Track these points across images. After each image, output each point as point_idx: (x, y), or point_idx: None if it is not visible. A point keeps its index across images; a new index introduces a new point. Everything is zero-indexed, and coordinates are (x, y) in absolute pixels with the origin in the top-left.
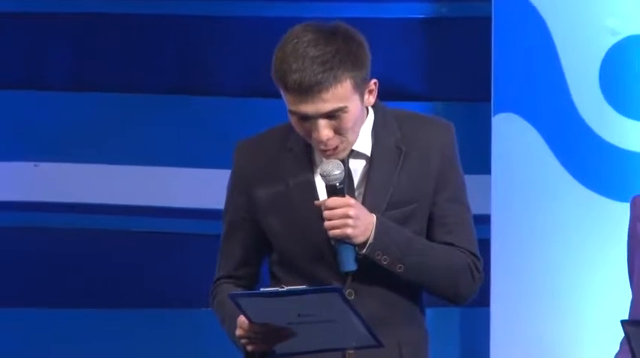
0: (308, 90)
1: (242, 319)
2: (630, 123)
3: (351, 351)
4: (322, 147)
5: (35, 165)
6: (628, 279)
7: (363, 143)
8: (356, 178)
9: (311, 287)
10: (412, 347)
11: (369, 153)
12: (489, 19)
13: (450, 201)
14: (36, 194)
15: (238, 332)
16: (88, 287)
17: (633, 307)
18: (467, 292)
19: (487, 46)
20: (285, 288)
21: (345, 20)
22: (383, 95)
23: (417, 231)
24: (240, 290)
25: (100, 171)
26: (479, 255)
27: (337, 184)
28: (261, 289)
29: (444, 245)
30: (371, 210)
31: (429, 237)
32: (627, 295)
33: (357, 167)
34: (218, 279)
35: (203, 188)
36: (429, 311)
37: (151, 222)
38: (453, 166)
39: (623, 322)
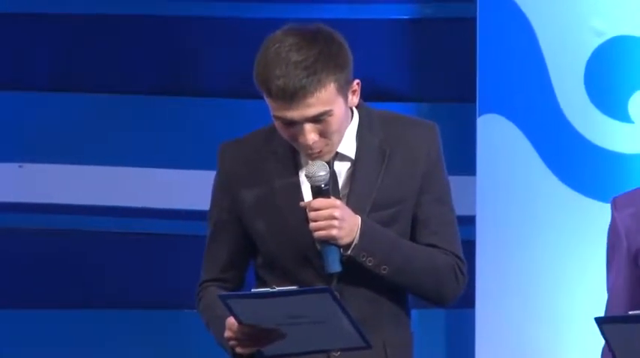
0: (293, 95)
1: (231, 320)
2: (615, 124)
3: (337, 353)
4: (309, 151)
5: (20, 166)
6: (605, 278)
7: (348, 145)
8: (340, 180)
9: (301, 288)
10: (397, 349)
11: (353, 156)
12: (474, 19)
13: (435, 203)
14: (20, 195)
15: (227, 333)
16: (72, 289)
17: (610, 304)
18: (451, 294)
19: (472, 47)
20: (276, 289)
21: (329, 21)
22: (368, 96)
23: (402, 232)
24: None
25: (84, 172)
26: (463, 258)
27: (322, 185)
28: (252, 290)
29: (429, 247)
30: (355, 212)
31: (413, 238)
32: None
33: (342, 169)
34: (204, 282)
35: (188, 189)
36: (414, 312)
37: (135, 223)
38: (437, 168)
39: (597, 319)
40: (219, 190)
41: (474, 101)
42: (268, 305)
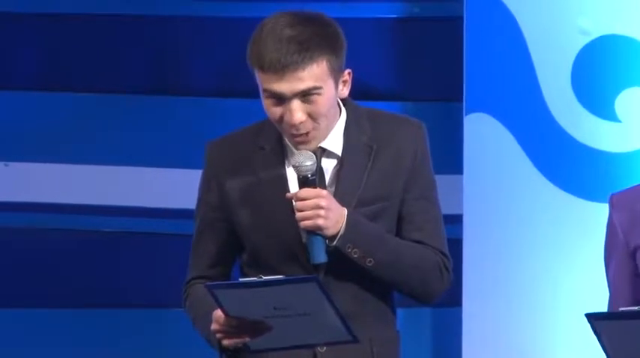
0: (285, 68)
1: (218, 313)
2: (602, 123)
3: (322, 350)
4: (294, 131)
5: (6, 165)
6: (605, 275)
7: (335, 142)
8: (327, 177)
9: (289, 277)
10: (384, 346)
11: (339, 153)
12: (461, 19)
13: (420, 200)
14: (6, 194)
15: (214, 326)
16: (58, 288)
17: (612, 302)
18: (436, 290)
19: (459, 46)
20: (263, 278)
21: None
22: (355, 95)
23: (387, 229)
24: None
25: (71, 171)
26: (448, 254)
27: (309, 175)
28: (239, 279)
29: (414, 243)
30: None
31: (399, 235)
32: (599, 294)
33: (329, 166)
34: (190, 280)
35: (175, 188)
36: (400, 311)
37: (123, 222)
38: (424, 165)
39: (588, 315)
40: (206, 187)
41: (461, 100)
42: (255, 295)
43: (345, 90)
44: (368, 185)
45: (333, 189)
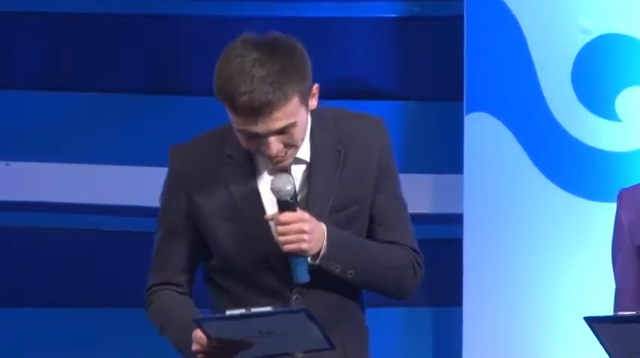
0: (258, 111)
1: (199, 334)
2: (602, 123)
3: (300, 355)
4: (271, 158)
5: (7, 164)
6: (612, 271)
7: (303, 148)
8: (297, 184)
9: (278, 309)
10: (355, 346)
11: (308, 158)
12: (462, 18)
13: (391, 198)
14: (7, 193)
15: (195, 347)
16: (58, 288)
17: (618, 296)
18: (409, 288)
19: (459, 46)
20: (252, 311)
21: (316, 20)
22: (355, 95)
23: (360, 230)
24: (180, 297)
25: (71, 170)
26: (419, 250)
27: (289, 199)
28: (227, 312)
29: (387, 244)
30: (314, 216)
31: (371, 236)
32: (599, 294)
33: (297, 172)
34: (153, 285)
35: None
36: (400, 311)
37: (123, 222)
38: (390, 164)
39: (587, 319)
40: (173, 194)
41: (462, 99)
42: (242, 324)
43: (314, 102)
44: (339, 191)
45: (304, 195)
